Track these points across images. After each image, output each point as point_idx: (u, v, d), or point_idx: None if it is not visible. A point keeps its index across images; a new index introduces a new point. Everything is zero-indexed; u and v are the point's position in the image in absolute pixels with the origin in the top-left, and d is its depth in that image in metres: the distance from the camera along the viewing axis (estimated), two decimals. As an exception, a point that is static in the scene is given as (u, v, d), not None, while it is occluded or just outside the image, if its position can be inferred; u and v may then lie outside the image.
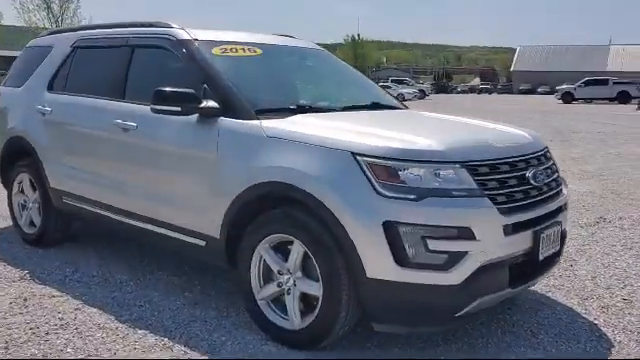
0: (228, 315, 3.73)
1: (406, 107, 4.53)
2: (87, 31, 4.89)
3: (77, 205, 4.58)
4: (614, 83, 41.89)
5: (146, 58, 4.25)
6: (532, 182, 3.24)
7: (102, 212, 4.34)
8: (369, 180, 2.92)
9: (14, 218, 5.32)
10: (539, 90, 68.69)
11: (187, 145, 3.67)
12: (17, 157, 5.16)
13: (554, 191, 3.44)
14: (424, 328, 3.16)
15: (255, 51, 4.13)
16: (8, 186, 5.29)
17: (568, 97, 41.95)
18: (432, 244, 2.85)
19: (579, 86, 42.64)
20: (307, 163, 3.09)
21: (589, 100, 41.20)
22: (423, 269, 2.87)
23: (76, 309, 3.79)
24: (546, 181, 3.37)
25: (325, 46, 5.58)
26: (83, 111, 4.48)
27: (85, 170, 4.46)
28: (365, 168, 2.94)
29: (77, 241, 5.19)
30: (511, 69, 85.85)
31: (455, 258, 2.87)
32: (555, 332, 3.54)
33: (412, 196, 2.87)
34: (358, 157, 2.97)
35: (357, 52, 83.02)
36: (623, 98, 39.95)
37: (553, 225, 3.32)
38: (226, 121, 3.50)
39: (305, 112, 3.63)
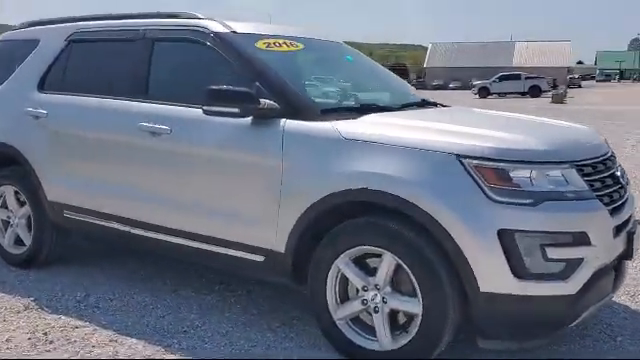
0: (287, 336, 3.38)
1: (446, 105, 4.32)
2: (84, 23, 4.30)
3: (82, 219, 4.04)
4: (526, 78, 43.94)
5: (171, 53, 3.79)
6: (621, 181, 3.12)
7: (119, 227, 3.84)
8: (478, 184, 2.68)
9: (-7, 237, 4.65)
10: (450, 85, 70.91)
11: (241, 150, 3.27)
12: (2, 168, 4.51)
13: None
14: (533, 342, 2.96)
15: (297, 45, 3.78)
16: (-16, 201, 4.62)
17: (484, 92, 43.49)
18: (551, 252, 2.65)
19: (494, 81, 44.35)
20: (401, 167, 2.81)
21: (503, 94, 42.94)
22: (541, 280, 2.67)
23: (112, 340, 3.31)
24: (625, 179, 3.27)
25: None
26: (91, 113, 3.94)
27: (96, 180, 3.93)
28: (472, 171, 2.70)
29: (66, 260, 4.60)
30: (424, 65, 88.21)
31: (572, 266, 2.69)
32: (629, 332, 3.46)
33: (528, 201, 2.65)
34: (463, 159, 2.72)
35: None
36: (534, 92, 41.97)
37: (636, 224, 3.22)
38: (292, 123, 3.14)
39: (370, 111, 3.33)
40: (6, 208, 4.55)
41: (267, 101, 3.18)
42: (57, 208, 4.15)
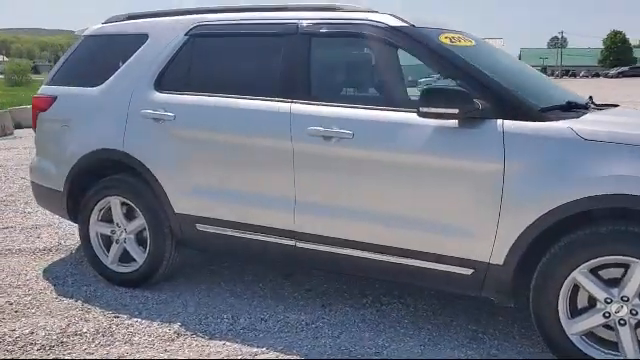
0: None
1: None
2: (209, 15, 3.87)
3: (221, 233, 3.65)
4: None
5: (336, 49, 3.48)
6: None
7: (279, 241, 3.48)
8: None
9: (91, 254, 4.15)
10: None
11: (447, 155, 3.00)
12: (99, 177, 4.03)
13: None
14: None
15: (470, 41, 3.53)
16: (83, 214, 4.11)
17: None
18: None
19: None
20: None
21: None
22: None
23: (308, 369, 2.98)
24: None
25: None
26: (234, 116, 3.54)
27: (242, 189, 3.55)
28: None
29: (173, 277, 4.17)
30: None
31: None
32: None
33: None
34: None
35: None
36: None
37: None
38: (513, 124, 2.90)
39: (580, 110, 3.14)
40: (109, 222, 4.08)
41: (480, 101, 2.94)
42: (188, 221, 3.73)
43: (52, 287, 4.07)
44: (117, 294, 3.94)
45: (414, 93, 3.40)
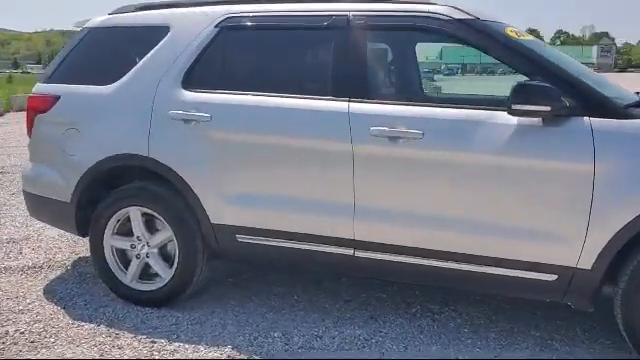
0: None
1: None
2: (241, 6, 3.51)
3: (268, 244, 3.34)
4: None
5: (392, 43, 3.22)
6: None
7: (331, 249, 3.22)
8: None
9: (106, 271, 3.72)
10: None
11: (531, 156, 2.84)
12: (112, 186, 3.62)
13: None
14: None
15: (527, 36, 3.39)
16: (96, 227, 3.67)
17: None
18: None
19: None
20: None
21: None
22: None
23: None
24: None
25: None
26: (287, 117, 3.22)
27: (292, 196, 3.25)
28: None
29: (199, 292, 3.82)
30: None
31: None
32: None
33: None
34: None
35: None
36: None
37: None
38: (602, 122, 2.77)
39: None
40: (126, 235, 3.67)
41: (565, 98, 2.80)
42: (226, 232, 3.39)
43: (62, 311, 3.61)
44: (141, 315, 3.54)
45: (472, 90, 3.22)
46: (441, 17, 3.10)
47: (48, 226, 5.35)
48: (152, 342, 3.21)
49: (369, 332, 3.32)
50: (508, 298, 3.64)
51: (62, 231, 5.12)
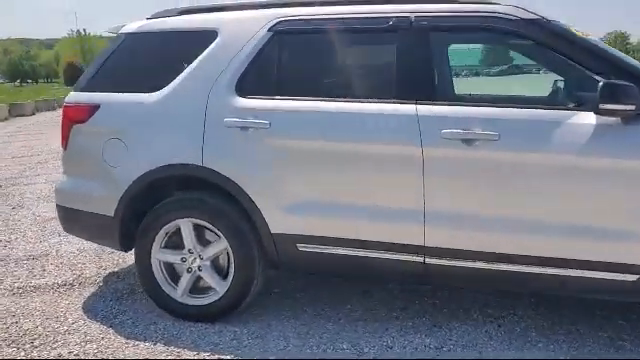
0: None
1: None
2: (295, 9, 3.41)
3: (332, 253, 3.23)
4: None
5: (457, 44, 3.17)
6: None
7: (399, 257, 3.14)
8: None
9: (154, 287, 3.56)
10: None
11: (616, 154, 2.80)
12: (157, 198, 3.48)
13: None
14: None
15: (588, 35, 3.37)
16: (142, 241, 3.51)
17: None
18: None
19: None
20: None
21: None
22: None
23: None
24: None
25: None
26: (351, 122, 3.13)
27: (366, 204, 3.14)
28: None
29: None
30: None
31: None
32: None
33: None
34: None
35: (83, 47, 76.64)
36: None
37: None
38: None
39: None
40: (174, 248, 3.52)
41: (645, 97, 2.78)
42: (287, 241, 3.28)
43: (111, 330, 3.44)
44: (196, 331, 3.40)
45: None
46: (509, 17, 3.06)
47: (64, 241, 5.21)
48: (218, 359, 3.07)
49: (438, 341, 3.24)
50: (560, 298, 3.62)
51: (81, 246, 4.98)
